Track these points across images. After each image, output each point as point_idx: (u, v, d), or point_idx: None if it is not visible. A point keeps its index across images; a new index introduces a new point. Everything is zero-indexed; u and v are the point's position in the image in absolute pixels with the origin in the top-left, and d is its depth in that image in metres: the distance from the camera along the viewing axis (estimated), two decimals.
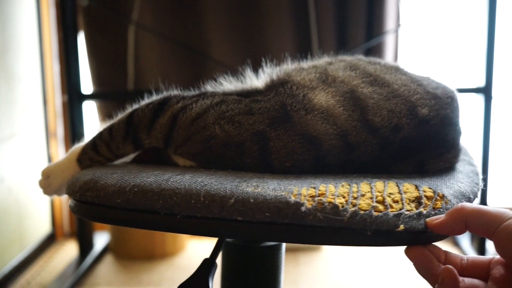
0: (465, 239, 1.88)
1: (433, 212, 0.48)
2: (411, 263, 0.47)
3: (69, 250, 1.95)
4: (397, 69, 0.66)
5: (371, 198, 0.48)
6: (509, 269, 0.44)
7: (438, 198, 0.50)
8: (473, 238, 1.85)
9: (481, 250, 1.76)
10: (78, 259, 1.79)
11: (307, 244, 0.48)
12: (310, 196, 0.48)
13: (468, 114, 1.77)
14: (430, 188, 0.51)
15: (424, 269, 0.46)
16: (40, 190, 0.71)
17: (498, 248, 0.44)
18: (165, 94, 0.69)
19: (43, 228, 1.96)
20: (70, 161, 0.69)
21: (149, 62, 1.80)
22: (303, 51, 1.65)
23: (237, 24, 1.74)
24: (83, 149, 0.68)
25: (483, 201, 1.73)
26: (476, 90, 1.67)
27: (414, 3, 1.88)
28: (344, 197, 0.48)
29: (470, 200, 0.54)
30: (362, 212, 0.46)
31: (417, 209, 0.48)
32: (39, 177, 0.70)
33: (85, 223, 1.81)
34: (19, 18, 1.78)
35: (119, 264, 1.84)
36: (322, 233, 0.47)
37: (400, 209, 0.47)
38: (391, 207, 0.47)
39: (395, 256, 1.83)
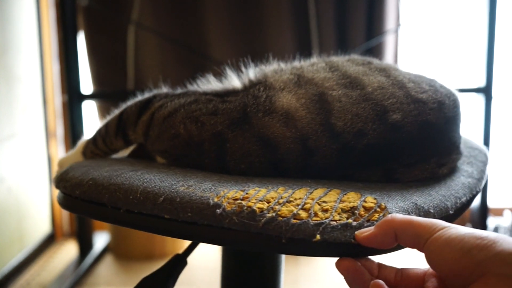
0: None
1: (366, 224, 0.45)
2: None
3: (69, 250, 1.95)
4: (384, 70, 0.61)
5: (298, 205, 0.47)
6: (442, 281, 0.43)
7: (378, 210, 0.47)
8: None
9: None
10: (78, 259, 1.79)
11: (226, 246, 0.48)
12: (234, 199, 0.48)
13: (468, 114, 1.77)
14: (375, 199, 0.49)
15: (354, 283, 0.44)
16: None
17: (429, 261, 0.41)
18: (153, 92, 0.71)
19: (43, 228, 1.96)
20: (77, 153, 0.73)
21: (149, 62, 1.80)
22: (303, 51, 1.65)
23: (237, 24, 1.74)
24: (86, 142, 0.72)
25: (483, 201, 1.73)
26: (476, 90, 1.67)
27: (414, 3, 1.88)
28: (268, 202, 0.47)
29: (429, 214, 0.50)
30: (280, 218, 0.45)
31: (346, 219, 0.45)
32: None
33: (85, 223, 1.81)
34: (19, 18, 1.78)
35: (119, 264, 1.84)
36: (239, 236, 0.46)
37: (326, 219, 0.45)
38: (316, 215, 0.45)
39: (395, 258, 1.83)
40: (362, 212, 0.47)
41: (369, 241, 0.43)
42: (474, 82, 1.74)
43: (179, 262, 0.59)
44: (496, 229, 1.92)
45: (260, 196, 0.48)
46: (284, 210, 0.46)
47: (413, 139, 0.56)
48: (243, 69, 0.67)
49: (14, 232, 1.71)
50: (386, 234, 0.43)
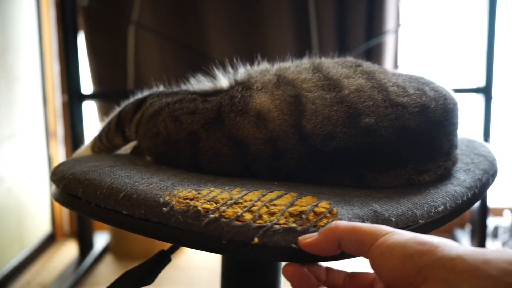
0: (464, 240, 1.88)
1: (311, 230, 0.44)
2: None
3: (69, 250, 1.95)
4: (369, 73, 0.59)
5: (246, 207, 0.46)
6: (388, 286, 0.42)
7: (329, 215, 0.46)
8: (473, 239, 1.86)
9: None
10: (78, 259, 1.79)
11: (176, 245, 0.49)
12: (184, 198, 0.48)
13: (468, 114, 1.77)
14: (329, 204, 0.47)
15: None
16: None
17: (373, 267, 0.40)
18: (150, 91, 0.72)
19: (43, 228, 1.96)
20: (87, 148, 0.76)
21: (149, 62, 1.80)
22: (303, 51, 1.65)
23: (238, 24, 1.75)
24: (94, 138, 0.75)
25: (483, 201, 1.73)
26: (476, 90, 1.67)
27: (414, 3, 1.88)
28: (216, 203, 0.47)
29: (389, 222, 0.48)
30: (223, 220, 0.45)
31: (292, 223, 0.45)
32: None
33: (85, 223, 1.81)
34: (19, 18, 1.78)
35: (119, 264, 1.84)
36: (183, 235, 0.47)
37: (269, 222, 0.44)
38: (260, 218, 0.45)
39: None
40: (311, 217, 0.46)
41: (311, 248, 0.42)
42: (474, 82, 1.74)
43: (163, 259, 0.60)
44: (496, 229, 1.92)
45: (210, 197, 0.48)
46: (229, 211, 0.46)
47: (387, 144, 0.53)
48: (231, 69, 0.66)
49: (14, 232, 1.71)
50: (329, 241, 0.42)
